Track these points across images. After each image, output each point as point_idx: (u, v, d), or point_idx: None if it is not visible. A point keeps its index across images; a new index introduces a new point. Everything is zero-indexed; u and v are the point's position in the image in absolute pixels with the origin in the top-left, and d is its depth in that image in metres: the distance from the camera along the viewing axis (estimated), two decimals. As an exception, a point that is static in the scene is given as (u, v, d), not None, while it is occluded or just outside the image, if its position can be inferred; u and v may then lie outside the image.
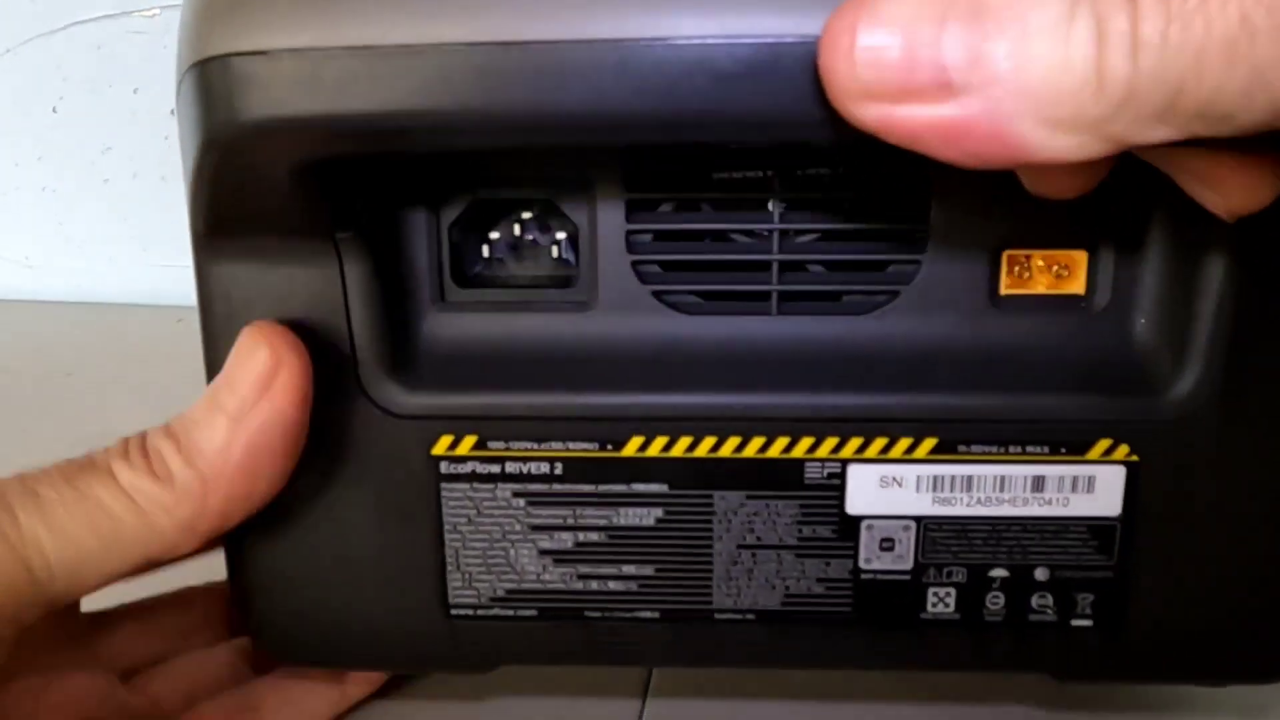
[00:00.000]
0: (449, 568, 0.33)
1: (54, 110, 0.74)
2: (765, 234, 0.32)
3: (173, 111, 0.71)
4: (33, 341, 0.72)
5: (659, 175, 0.32)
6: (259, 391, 0.30)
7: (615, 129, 0.26)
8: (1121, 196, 0.31)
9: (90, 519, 0.29)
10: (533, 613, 0.33)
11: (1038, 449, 0.31)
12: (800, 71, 0.24)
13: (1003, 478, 0.31)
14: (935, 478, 0.31)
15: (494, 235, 0.33)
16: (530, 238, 0.33)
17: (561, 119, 0.25)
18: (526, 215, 0.33)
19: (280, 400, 0.30)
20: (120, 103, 0.73)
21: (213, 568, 0.34)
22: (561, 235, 0.33)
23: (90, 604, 0.34)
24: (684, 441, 0.31)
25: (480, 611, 0.33)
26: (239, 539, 0.33)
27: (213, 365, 0.32)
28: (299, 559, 0.33)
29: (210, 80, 0.26)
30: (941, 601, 0.33)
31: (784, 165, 0.32)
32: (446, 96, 0.25)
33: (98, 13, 0.71)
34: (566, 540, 0.33)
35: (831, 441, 0.31)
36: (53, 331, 0.74)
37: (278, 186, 0.28)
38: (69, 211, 0.76)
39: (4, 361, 0.68)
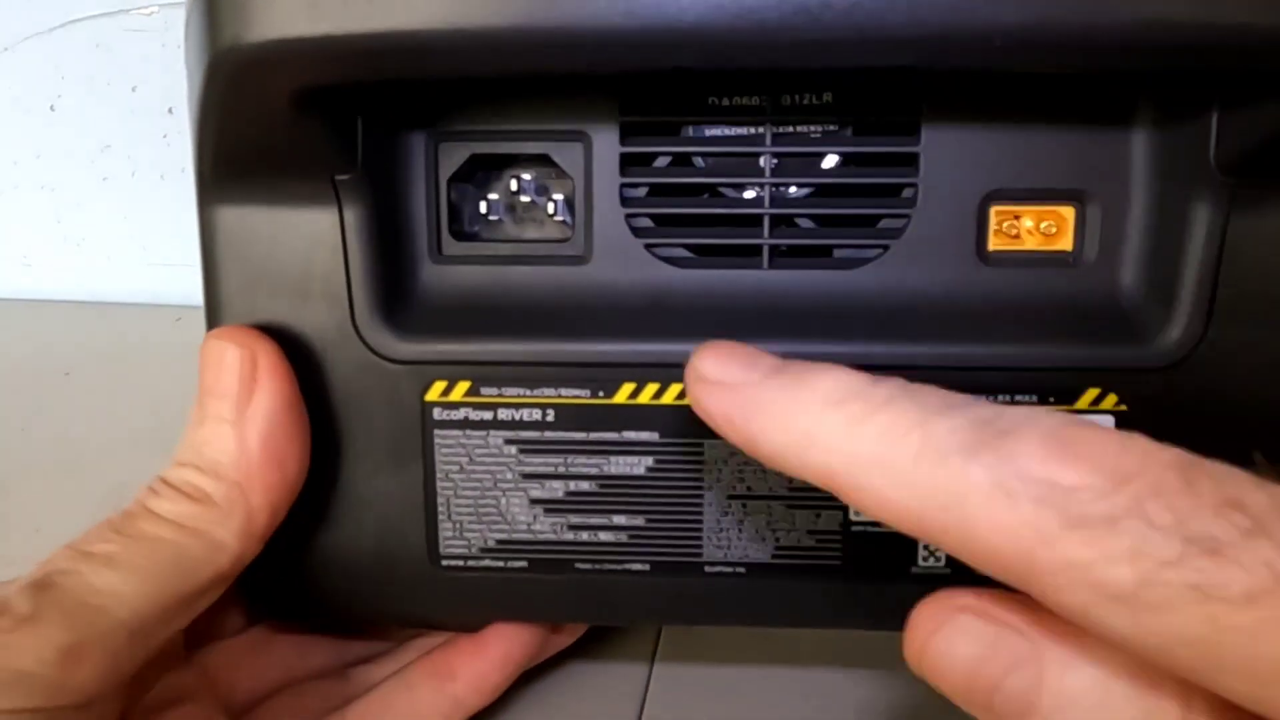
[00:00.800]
0: (440, 516, 0.33)
1: (52, 108, 0.74)
2: (757, 189, 0.33)
3: (171, 110, 0.72)
4: (31, 340, 0.72)
5: (653, 129, 0.33)
6: (248, 388, 0.31)
7: (606, 48, 0.26)
8: (1107, 152, 0.32)
9: (154, 554, 0.29)
10: (523, 564, 0.33)
11: (1026, 398, 0.31)
12: None
13: None
14: None
15: (492, 195, 0.34)
16: (527, 196, 0.34)
17: (555, 38, 0.26)
18: (524, 172, 0.34)
19: (271, 385, 0.31)
20: (119, 101, 0.73)
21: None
22: (559, 195, 0.34)
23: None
24: (675, 389, 0.32)
25: (471, 562, 0.33)
26: None
27: (212, 310, 0.32)
28: (291, 509, 0.33)
29: (216, 4, 0.27)
30: (932, 555, 0.33)
31: (775, 121, 0.32)
32: (444, 17, 0.26)
33: (96, 10, 0.71)
34: (557, 489, 0.33)
35: None
36: (51, 330, 0.74)
37: (280, 115, 0.28)
38: (67, 210, 0.76)
39: (2, 360, 0.68)
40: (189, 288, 0.32)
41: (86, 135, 0.74)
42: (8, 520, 0.50)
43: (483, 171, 0.34)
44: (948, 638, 0.21)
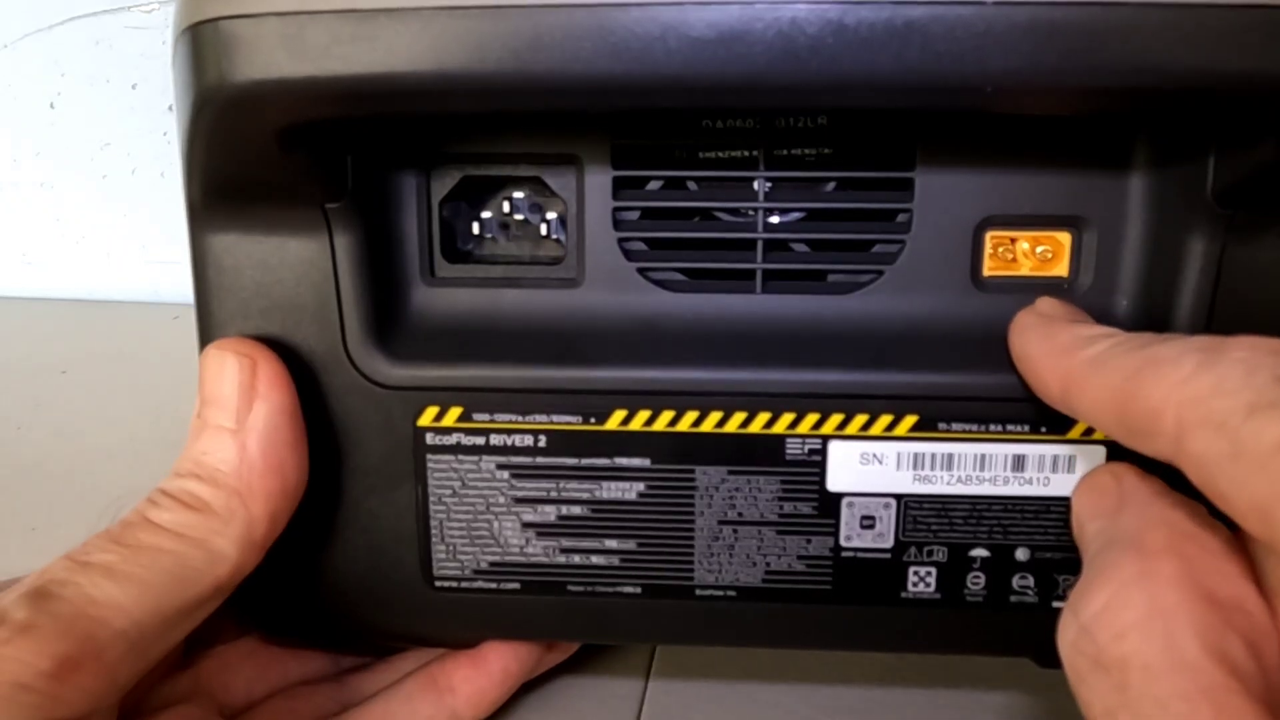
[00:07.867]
0: (434, 539, 0.33)
1: (52, 106, 0.74)
2: (750, 213, 0.33)
3: (171, 107, 0.72)
4: (29, 338, 0.72)
5: (646, 153, 0.33)
6: (248, 396, 0.31)
7: (593, 93, 0.26)
8: (1104, 179, 0.32)
9: (154, 563, 0.29)
10: (515, 586, 0.33)
11: (1018, 428, 0.31)
12: (771, 36, 0.25)
13: (983, 456, 0.31)
14: (916, 455, 0.32)
15: (485, 214, 0.34)
16: (520, 216, 0.34)
17: (541, 82, 0.26)
18: (517, 193, 0.34)
19: (272, 394, 0.31)
20: (118, 98, 0.73)
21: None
22: (551, 214, 0.33)
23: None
24: (666, 416, 0.32)
25: (464, 584, 0.33)
26: None
27: (205, 335, 0.32)
28: (286, 528, 0.33)
29: (201, 43, 0.26)
30: (922, 581, 0.33)
31: (770, 145, 0.32)
32: (427, 60, 0.25)
33: (96, 8, 0.71)
34: (550, 513, 0.33)
35: (812, 418, 0.31)
36: (49, 328, 0.74)
37: (267, 150, 0.28)
38: (67, 207, 0.76)
39: (0, 358, 0.69)
40: (187, 286, 0.32)
41: (86, 133, 0.74)
42: (4, 519, 0.50)
43: (476, 191, 0.34)
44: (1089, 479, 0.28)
